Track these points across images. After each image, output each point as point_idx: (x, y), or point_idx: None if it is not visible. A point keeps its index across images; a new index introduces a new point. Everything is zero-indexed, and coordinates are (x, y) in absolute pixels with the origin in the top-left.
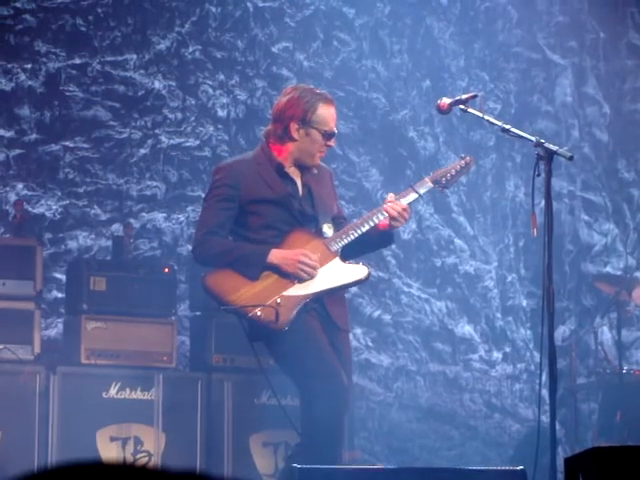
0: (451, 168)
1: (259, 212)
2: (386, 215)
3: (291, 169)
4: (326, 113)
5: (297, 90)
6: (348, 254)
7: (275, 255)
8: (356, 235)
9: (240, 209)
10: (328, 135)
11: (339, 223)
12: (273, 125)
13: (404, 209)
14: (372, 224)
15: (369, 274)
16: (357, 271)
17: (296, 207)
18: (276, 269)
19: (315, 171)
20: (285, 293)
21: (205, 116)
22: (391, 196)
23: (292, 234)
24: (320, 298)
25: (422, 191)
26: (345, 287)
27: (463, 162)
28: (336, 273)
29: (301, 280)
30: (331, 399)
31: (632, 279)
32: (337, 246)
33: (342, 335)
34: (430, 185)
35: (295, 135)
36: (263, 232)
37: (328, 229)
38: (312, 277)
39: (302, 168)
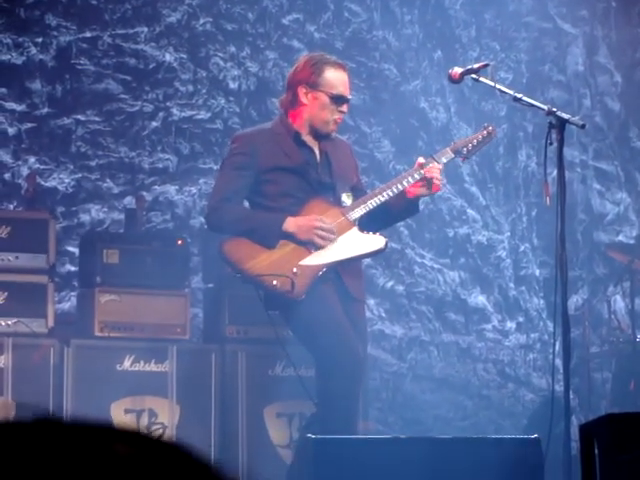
0: (473, 138)
1: (276, 180)
2: (418, 177)
3: (308, 137)
4: (333, 76)
5: (307, 56)
6: (371, 226)
7: (290, 223)
8: (375, 204)
9: (257, 178)
10: (337, 99)
11: (359, 194)
12: (286, 93)
13: (440, 169)
14: (397, 190)
15: (387, 244)
16: (375, 241)
17: (313, 175)
18: (292, 237)
19: (333, 136)
20: (302, 262)
21: (216, 88)
22: (422, 159)
23: (310, 202)
24: (336, 269)
25: (444, 160)
26: (362, 257)
27: (485, 132)
28: (353, 243)
29: (318, 247)
30: (347, 370)
31: None
32: (355, 215)
33: (357, 306)
34: (451, 155)
35: (303, 99)
36: (280, 200)
37: (347, 198)
38: (329, 243)
39: (319, 136)
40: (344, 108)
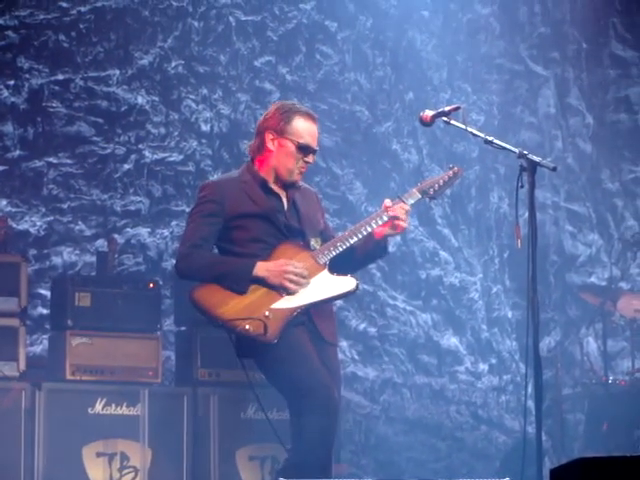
0: (439, 179)
1: (245, 226)
2: (386, 218)
3: (275, 185)
4: (301, 125)
5: (279, 103)
6: (342, 269)
7: (260, 268)
8: (344, 247)
9: (225, 225)
10: (303, 148)
11: (327, 238)
12: (254, 139)
13: (407, 210)
14: (366, 232)
15: (358, 285)
16: (346, 283)
17: (282, 221)
18: (263, 282)
19: (300, 184)
20: (274, 306)
21: (188, 131)
22: (388, 201)
23: (280, 247)
24: (308, 312)
25: (410, 202)
26: (334, 299)
27: (451, 172)
28: (325, 285)
29: (289, 292)
30: (321, 413)
31: (617, 289)
32: (325, 258)
33: (330, 349)
34: (418, 196)
35: (270, 145)
36: (250, 245)
37: (316, 243)
38: (300, 287)
39: (283, 185)
40: (310, 158)
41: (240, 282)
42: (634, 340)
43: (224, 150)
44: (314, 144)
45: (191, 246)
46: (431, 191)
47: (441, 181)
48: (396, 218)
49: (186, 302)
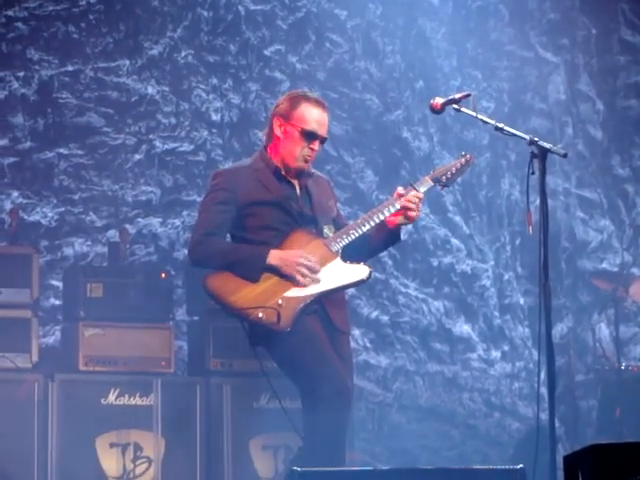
0: (451, 166)
1: (257, 214)
2: (398, 206)
3: (288, 173)
4: (308, 112)
5: (290, 91)
6: (355, 257)
7: (274, 256)
8: (357, 234)
9: (238, 212)
10: (307, 134)
11: (340, 226)
12: (267, 127)
13: (420, 198)
14: (378, 220)
15: (370, 274)
16: (358, 271)
17: (295, 208)
18: (275, 270)
19: (312, 171)
20: (286, 294)
21: (199, 120)
22: (400, 189)
23: (292, 234)
24: (320, 300)
25: (422, 189)
26: (347, 287)
27: (463, 160)
28: (337, 273)
29: (299, 283)
30: (334, 401)
31: (629, 275)
32: (338, 246)
33: (342, 338)
34: (431, 183)
35: (277, 131)
36: (262, 233)
37: (329, 230)
38: (310, 281)
39: (290, 172)
40: (315, 145)
41: (253, 270)
42: None
43: (235, 140)
44: (321, 131)
45: (204, 234)
46: (444, 179)
47: (453, 169)
48: (408, 208)
49: (198, 292)
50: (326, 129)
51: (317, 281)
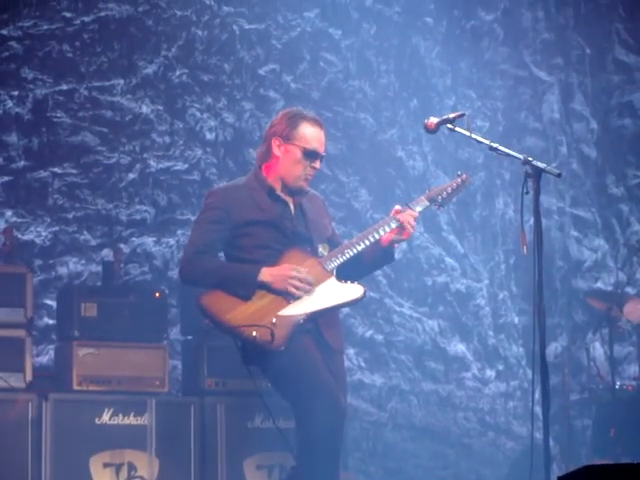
0: (447, 186)
1: (251, 233)
2: (394, 225)
3: (282, 192)
4: (308, 131)
5: (286, 110)
6: (349, 275)
7: (265, 273)
8: (352, 253)
9: (232, 232)
10: (309, 154)
11: (335, 245)
12: (261, 145)
13: (415, 216)
14: (373, 239)
15: (365, 293)
16: (353, 290)
17: (289, 227)
18: (267, 287)
19: (307, 190)
20: (280, 313)
21: (193, 139)
22: (398, 207)
23: (287, 253)
24: (314, 319)
25: (418, 209)
26: (341, 306)
27: (460, 180)
28: (332, 292)
29: (294, 297)
30: (328, 420)
31: (623, 294)
32: (332, 265)
33: (336, 357)
34: (426, 203)
35: (276, 151)
36: (257, 252)
37: (323, 249)
38: (304, 292)
39: (291, 192)
40: (316, 164)
41: (245, 287)
42: None
43: (229, 158)
44: (321, 149)
45: (195, 252)
46: (439, 198)
47: (449, 189)
48: (402, 226)
49: (192, 311)
50: (324, 147)
51: (311, 292)
